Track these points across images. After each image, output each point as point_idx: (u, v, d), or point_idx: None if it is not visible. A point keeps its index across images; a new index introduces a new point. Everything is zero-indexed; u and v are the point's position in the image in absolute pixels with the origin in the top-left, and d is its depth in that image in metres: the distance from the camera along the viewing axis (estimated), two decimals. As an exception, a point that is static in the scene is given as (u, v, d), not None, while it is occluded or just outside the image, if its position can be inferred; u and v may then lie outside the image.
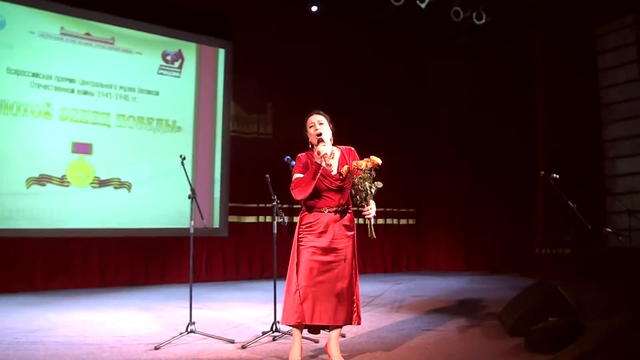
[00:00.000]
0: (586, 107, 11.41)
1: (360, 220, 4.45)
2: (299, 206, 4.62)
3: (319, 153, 4.20)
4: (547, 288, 5.77)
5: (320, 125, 4.37)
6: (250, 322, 6.15)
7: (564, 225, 8.08)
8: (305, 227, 4.34)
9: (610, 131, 11.39)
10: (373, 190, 4.13)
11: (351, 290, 4.32)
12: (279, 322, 5.27)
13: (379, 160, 4.12)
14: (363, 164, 4.11)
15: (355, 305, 4.35)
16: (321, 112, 4.48)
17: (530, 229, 11.25)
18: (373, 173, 4.14)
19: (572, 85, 11.25)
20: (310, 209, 4.36)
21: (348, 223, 4.38)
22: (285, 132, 10.77)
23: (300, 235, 4.35)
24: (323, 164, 4.23)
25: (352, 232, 4.41)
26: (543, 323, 5.00)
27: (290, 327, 4.42)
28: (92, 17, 9.70)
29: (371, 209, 4.16)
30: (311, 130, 4.39)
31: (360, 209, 4.23)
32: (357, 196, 4.15)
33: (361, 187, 4.11)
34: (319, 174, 4.24)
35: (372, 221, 4.16)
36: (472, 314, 6.70)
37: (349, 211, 4.44)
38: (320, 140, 4.28)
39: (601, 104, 11.56)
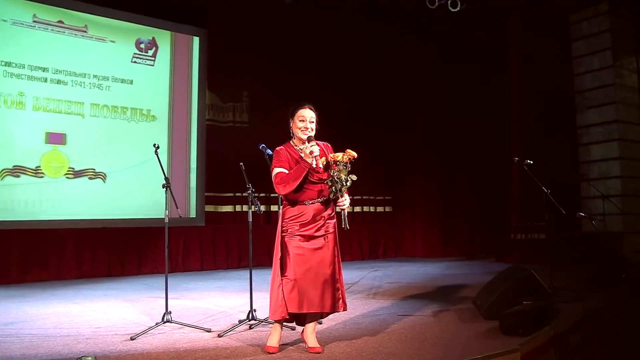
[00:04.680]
0: (561, 94, 11.51)
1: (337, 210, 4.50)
2: (276, 195, 4.62)
3: (311, 153, 4.26)
4: (521, 272, 5.85)
5: (311, 123, 4.41)
6: (227, 311, 6.14)
7: (538, 210, 8.17)
8: (290, 220, 4.38)
9: (584, 118, 11.50)
10: (348, 183, 4.24)
11: (335, 277, 4.39)
12: (255, 311, 5.29)
13: (354, 154, 4.24)
14: (340, 156, 4.23)
15: (339, 292, 4.43)
16: (312, 107, 4.49)
17: (505, 215, 11.38)
18: (349, 166, 4.24)
19: (547, 72, 11.35)
20: (293, 203, 4.39)
21: (330, 212, 4.47)
22: (261, 121, 10.74)
23: (284, 228, 4.39)
24: (314, 164, 4.31)
25: (334, 221, 4.50)
26: (517, 306, 5.06)
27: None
28: (64, 4, 9.57)
29: (346, 200, 4.27)
30: (299, 124, 4.40)
31: (333, 199, 4.34)
32: (333, 187, 4.24)
33: (337, 178, 4.21)
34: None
35: (346, 212, 4.25)
36: (447, 299, 6.77)
37: (330, 202, 4.48)
38: (310, 140, 4.34)
39: (575, 91, 11.67)
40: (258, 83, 11.17)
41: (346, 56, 12.37)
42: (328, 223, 4.43)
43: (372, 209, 12.96)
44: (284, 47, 11.55)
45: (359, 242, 12.46)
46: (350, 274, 9.32)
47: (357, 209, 12.69)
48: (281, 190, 4.33)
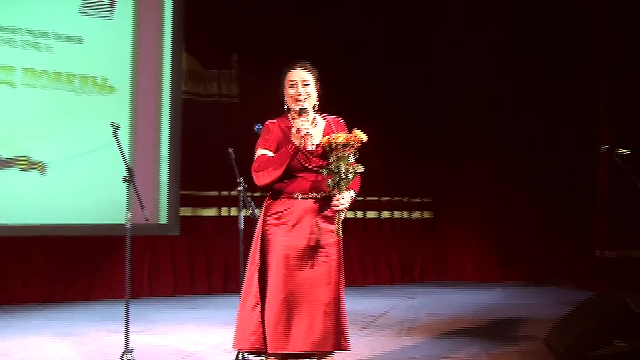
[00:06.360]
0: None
1: (350, 214, 4.40)
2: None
3: (298, 131, 4.11)
4: (612, 302, 5.78)
5: (304, 87, 4.30)
6: (208, 351, 6.16)
7: (635, 218, 8.08)
8: (273, 219, 4.28)
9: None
10: (350, 176, 4.08)
11: (338, 304, 4.26)
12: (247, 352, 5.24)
13: (363, 136, 4.05)
14: (341, 137, 4.04)
15: (342, 325, 4.27)
16: (307, 66, 4.38)
17: (588, 225, 11.27)
18: (355, 152, 4.10)
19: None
20: (277, 194, 4.31)
21: (330, 214, 4.30)
22: (256, 93, 10.67)
23: (266, 230, 4.29)
24: (308, 147, 4.16)
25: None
26: (606, 348, 5.00)
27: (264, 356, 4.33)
28: None
29: (342, 199, 4.12)
30: (289, 90, 4.32)
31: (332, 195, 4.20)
32: (330, 180, 4.11)
33: (334, 167, 4.07)
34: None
35: (342, 216, 4.13)
36: (509, 338, 6.78)
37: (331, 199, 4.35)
38: (302, 112, 4.22)
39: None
40: (252, 43, 11.18)
41: (375, 13, 12.31)
42: (328, 229, 4.27)
43: (405, 214, 12.93)
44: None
45: (387, 259, 12.44)
46: (375, 303, 9.33)
47: (385, 214, 12.67)
48: (259, 179, 4.24)
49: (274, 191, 4.31)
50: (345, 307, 4.32)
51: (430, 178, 13.17)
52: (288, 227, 4.22)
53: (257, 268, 4.23)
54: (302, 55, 4.53)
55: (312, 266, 4.21)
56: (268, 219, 4.28)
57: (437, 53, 13.08)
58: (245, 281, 4.29)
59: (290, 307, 4.13)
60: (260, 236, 4.28)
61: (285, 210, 4.24)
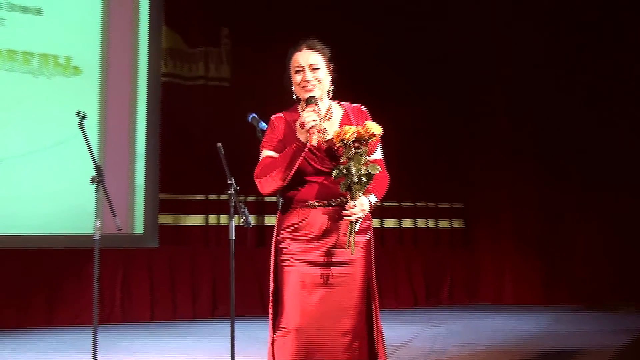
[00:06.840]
0: None
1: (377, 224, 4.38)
2: (275, 199, 4.54)
3: (302, 125, 4.07)
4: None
5: (313, 71, 4.27)
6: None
7: None
8: (288, 232, 4.26)
9: None
10: (363, 179, 4.04)
11: (366, 327, 4.27)
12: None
13: (376, 130, 4.04)
14: (350, 132, 4.00)
15: (377, 350, 4.31)
16: (316, 46, 4.35)
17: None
18: (366, 149, 4.07)
19: None
20: (288, 205, 4.30)
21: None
22: (250, 76, 10.79)
23: (280, 246, 4.28)
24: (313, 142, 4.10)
25: (365, 238, 4.34)
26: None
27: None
28: None
29: (356, 208, 4.07)
30: (296, 77, 4.30)
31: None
32: (342, 184, 4.07)
33: (344, 169, 4.04)
34: (301, 156, 4.16)
35: (356, 227, 4.09)
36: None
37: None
38: (309, 102, 4.19)
39: None
40: (246, 15, 11.21)
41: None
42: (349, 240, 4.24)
43: (430, 223, 12.92)
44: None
45: (409, 277, 12.47)
46: (396, 331, 9.27)
47: (407, 223, 12.66)
48: (262, 187, 4.22)
49: (284, 201, 4.31)
50: (380, 336, 4.35)
51: (462, 179, 13.17)
52: (305, 242, 4.20)
53: (271, 295, 4.25)
54: (307, 31, 4.50)
55: (332, 287, 4.19)
56: (282, 232, 4.25)
57: (480, 38, 13.09)
58: (270, 310, 4.28)
59: (304, 337, 4.11)
60: (274, 256, 4.27)
61: (300, 221, 4.21)
